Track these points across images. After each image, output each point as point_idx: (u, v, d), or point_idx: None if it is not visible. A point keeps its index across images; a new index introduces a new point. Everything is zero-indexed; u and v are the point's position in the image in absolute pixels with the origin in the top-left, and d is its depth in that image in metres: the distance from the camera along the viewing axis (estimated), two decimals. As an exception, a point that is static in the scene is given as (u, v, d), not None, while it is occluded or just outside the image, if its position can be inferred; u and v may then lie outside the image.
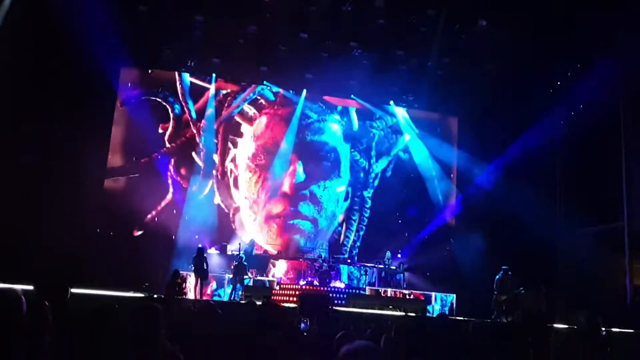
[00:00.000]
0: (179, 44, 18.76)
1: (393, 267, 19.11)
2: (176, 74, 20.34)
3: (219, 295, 17.03)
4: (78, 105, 16.51)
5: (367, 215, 21.85)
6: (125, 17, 16.85)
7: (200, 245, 16.63)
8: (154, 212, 19.49)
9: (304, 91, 21.21)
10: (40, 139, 16.13)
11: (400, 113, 22.18)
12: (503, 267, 16.12)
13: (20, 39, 15.22)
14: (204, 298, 15.54)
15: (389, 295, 17.91)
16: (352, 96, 21.41)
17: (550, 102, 20.03)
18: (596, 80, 17.90)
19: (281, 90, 21.32)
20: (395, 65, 19.67)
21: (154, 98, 20.11)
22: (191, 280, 16.32)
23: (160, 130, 20.08)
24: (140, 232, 19.20)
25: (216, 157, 20.62)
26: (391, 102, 21.89)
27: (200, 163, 20.36)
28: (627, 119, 17.94)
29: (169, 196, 19.86)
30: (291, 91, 21.41)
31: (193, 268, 15.72)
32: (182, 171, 20.27)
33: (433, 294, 18.27)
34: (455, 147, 22.00)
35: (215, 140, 20.67)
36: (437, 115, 22.62)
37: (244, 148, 21.01)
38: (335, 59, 19.08)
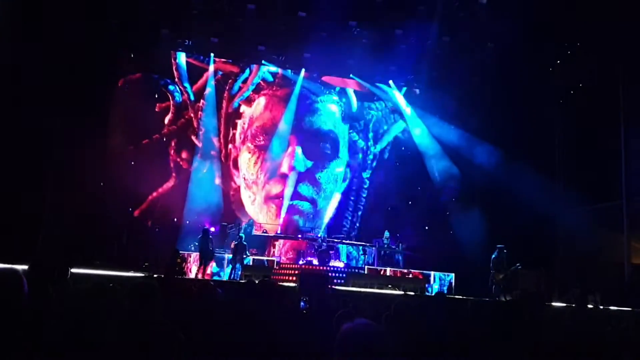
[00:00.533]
0: (177, 24, 18.60)
1: (392, 247, 19.18)
2: (172, 59, 20.25)
3: (219, 276, 17.13)
4: (77, 87, 16.45)
5: (365, 195, 21.93)
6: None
7: (205, 227, 16.70)
8: (154, 194, 19.52)
9: (302, 71, 21.12)
10: (40, 120, 16.06)
11: (399, 93, 22.08)
12: (498, 245, 16.23)
13: (16, 20, 15.12)
14: (205, 278, 15.62)
15: (387, 274, 17.99)
16: (351, 75, 21.33)
17: (549, 81, 19.96)
18: (595, 58, 17.84)
19: (280, 71, 21.26)
20: (394, 44, 19.51)
21: (152, 82, 20.06)
22: (191, 260, 16.40)
23: (157, 109, 20.05)
24: (141, 213, 19.25)
25: (216, 139, 20.60)
26: (390, 82, 21.79)
27: (199, 144, 20.37)
28: (626, 97, 17.90)
29: (170, 177, 19.92)
30: (290, 71, 21.32)
31: (195, 249, 15.78)
32: (183, 152, 20.29)
33: (432, 273, 18.33)
34: (455, 126, 21.89)
35: (217, 123, 20.67)
36: (437, 95, 22.47)
37: (243, 129, 20.99)
38: (334, 38, 18.95)
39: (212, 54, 20.43)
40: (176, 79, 20.34)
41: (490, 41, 19.17)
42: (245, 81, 21.16)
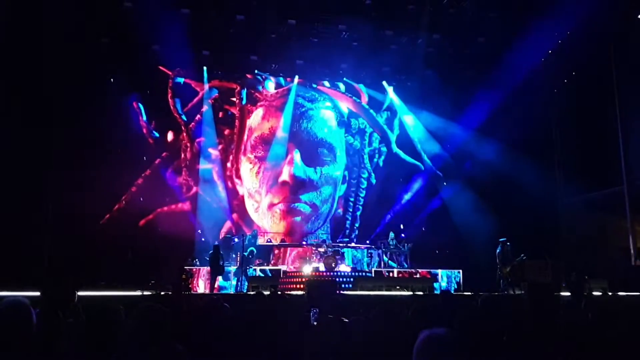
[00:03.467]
0: (167, 39, 18.58)
1: (397, 247, 19.13)
2: (168, 87, 20.24)
3: (225, 288, 17.09)
4: (82, 107, 16.61)
5: (362, 195, 22.06)
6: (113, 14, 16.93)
7: (215, 243, 16.71)
8: (157, 210, 19.49)
9: (296, 78, 21.19)
10: (41, 142, 16.09)
11: (393, 92, 22.12)
12: (500, 239, 16.23)
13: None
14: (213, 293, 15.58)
15: (395, 275, 17.92)
16: (344, 79, 21.45)
17: (544, 71, 19.97)
18: (588, 46, 17.84)
19: (273, 81, 21.35)
20: (385, 45, 19.57)
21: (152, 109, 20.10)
22: (200, 275, 16.44)
23: (158, 132, 20.13)
24: (145, 228, 19.18)
25: (216, 152, 20.68)
26: (383, 82, 21.83)
27: (201, 160, 20.50)
28: (621, 83, 17.91)
29: (173, 193, 19.97)
30: (283, 79, 21.40)
31: (203, 263, 15.73)
32: (186, 169, 20.34)
33: (439, 271, 18.25)
34: (452, 121, 21.82)
35: (218, 139, 20.78)
36: (432, 92, 22.44)
37: (243, 140, 21.15)
38: (325, 43, 19.03)
39: (205, 67, 20.43)
40: (172, 106, 20.32)
41: (481, 35, 19.22)
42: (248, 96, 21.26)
